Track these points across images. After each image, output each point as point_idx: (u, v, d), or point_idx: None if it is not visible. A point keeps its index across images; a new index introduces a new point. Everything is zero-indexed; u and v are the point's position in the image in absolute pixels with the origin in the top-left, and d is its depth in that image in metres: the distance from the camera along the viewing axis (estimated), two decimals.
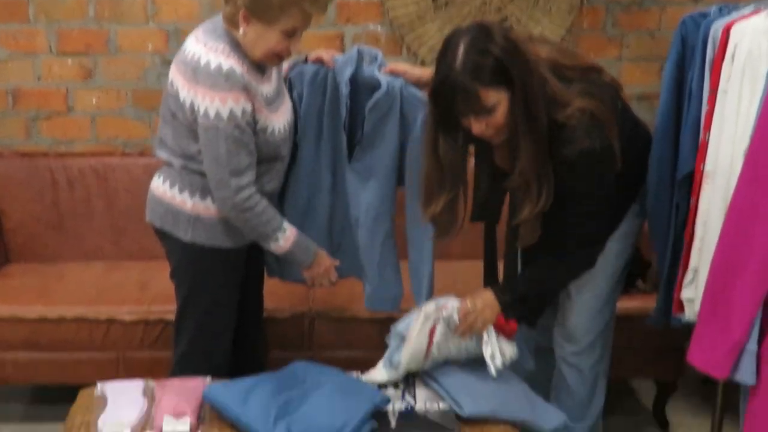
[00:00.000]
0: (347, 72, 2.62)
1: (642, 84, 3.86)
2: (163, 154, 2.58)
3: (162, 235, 2.64)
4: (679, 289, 2.66)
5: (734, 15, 2.55)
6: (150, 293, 3.18)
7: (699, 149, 2.56)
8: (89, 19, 3.68)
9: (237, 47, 2.42)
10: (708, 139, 2.52)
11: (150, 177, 2.68)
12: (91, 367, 3.12)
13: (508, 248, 2.59)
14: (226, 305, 2.68)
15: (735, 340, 2.14)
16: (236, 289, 2.70)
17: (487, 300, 2.44)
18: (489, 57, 2.15)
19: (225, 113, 2.37)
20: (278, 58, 2.46)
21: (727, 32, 2.48)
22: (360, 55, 2.65)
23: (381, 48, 3.68)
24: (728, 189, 2.38)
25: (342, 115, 2.65)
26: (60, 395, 3.02)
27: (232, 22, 2.41)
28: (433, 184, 2.40)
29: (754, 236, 2.11)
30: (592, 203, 2.39)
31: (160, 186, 2.61)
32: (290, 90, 2.67)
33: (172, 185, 2.57)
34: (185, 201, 2.56)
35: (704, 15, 2.66)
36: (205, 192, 2.53)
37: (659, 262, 2.80)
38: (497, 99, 2.19)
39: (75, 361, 3.13)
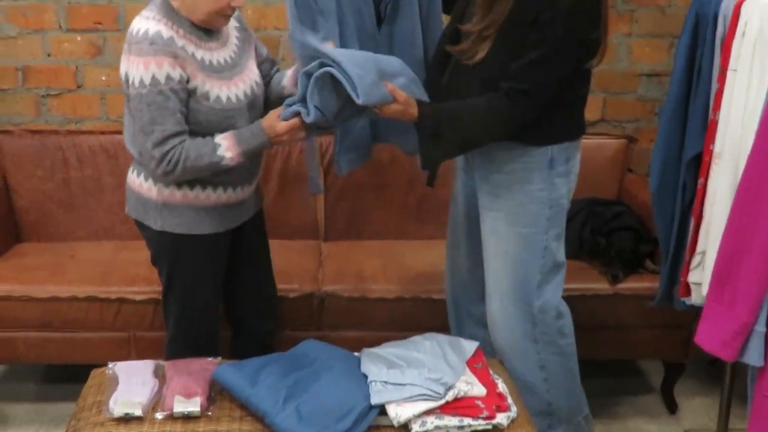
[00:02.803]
0: None
1: (651, 61, 3.83)
2: (129, 145, 2.58)
3: (138, 225, 2.67)
4: (686, 272, 2.65)
5: None
6: None
7: (708, 129, 2.54)
8: None
9: (171, 12, 2.41)
10: (717, 119, 2.50)
11: None
12: (103, 347, 3.14)
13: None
14: (206, 289, 2.68)
15: (743, 322, 2.14)
16: (216, 273, 2.69)
17: (410, 101, 2.42)
18: None
19: (147, 79, 2.34)
20: (223, 17, 2.45)
21: (738, 9, 2.45)
22: None
23: None
24: (737, 170, 2.36)
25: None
26: (72, 375, 3.05)
27: None
28: None
29: (762, 217, 2.10)
30: (551, 48, 2.32)
31: (130, 176, 2.63)
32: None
33: (138, 174, 2.58)
34: (151, 189, 2.55)
35: None
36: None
37: (662, 244, 2.79)
38: None
39: (86, 341, 3.15)
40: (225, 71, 2.50)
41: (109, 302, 3.12)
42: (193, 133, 2.44)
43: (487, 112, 2.42)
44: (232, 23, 2.60)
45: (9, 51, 3.72)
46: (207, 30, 2.47)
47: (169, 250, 2.62)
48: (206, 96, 2.44)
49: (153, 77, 2.34)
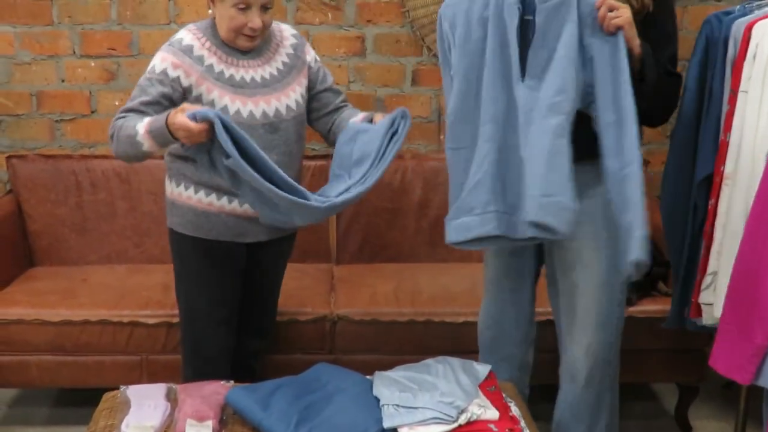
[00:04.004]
0: None
1: None
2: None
3: None
4: (697, 293, 2.64)
5: (757, 13, 2.53)
6: (172, 296, 3.16)
7: (719, 150, 2.54)
8: (112, 21, 3.71)
9: (210, 28, 2.58)
10: (728, 140, 2.50)
11: None
12: (115, 371, 3.14)
13: None
14: (207, 295, 2.69)
15: (758, 345, 2.13)
16: (221, 284, 2.68)
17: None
18: None
19: (149, 67, 2.52)
20: (244, 36, 2.52)
21: (749, 31, 2.46)
22: None
23: (401, 50, 3.70)
24: (749, 191, 2.36)
25: (510, 27, 2.32)
26: (84, 398, 3.05)
27: (209, 9, 2.58)
28: None
29: None
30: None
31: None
32: (440, 26, 2.44)
33: (167, 175, 2.68)
34: (167, 185, 2.66)
35: (728, 13, 2.65)
36: (179, 178, 2.60)
37: (674, 265, 2.78)
38: None
39: (98, 365, 3.15)
40: (249, 88, 2.54)
41: (122, 326, 3.12)
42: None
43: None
44: (287, 49, 2.66)
45: (24, 77, 3.75)
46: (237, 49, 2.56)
47: (174, 248, 2.70)
48: (212, 104, 2.49)
49: (152, 67, 2.51)
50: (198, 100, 2.49)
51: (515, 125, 2.33)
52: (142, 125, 2.39)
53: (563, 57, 2.26)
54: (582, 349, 2.57)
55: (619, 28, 2.22)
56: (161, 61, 2.50)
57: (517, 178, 2.33)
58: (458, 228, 2.43)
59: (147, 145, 2.40)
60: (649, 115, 2.38)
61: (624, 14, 2.22)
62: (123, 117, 2.45)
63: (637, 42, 2.27)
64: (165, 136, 2.36)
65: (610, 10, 2.22)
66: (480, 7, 2.35)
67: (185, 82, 2.49)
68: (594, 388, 2.61)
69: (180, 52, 2.50)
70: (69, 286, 3.35)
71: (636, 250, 2.21)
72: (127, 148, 2.44)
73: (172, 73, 2.48)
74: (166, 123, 2.33)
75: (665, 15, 2.42)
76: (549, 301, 2.69)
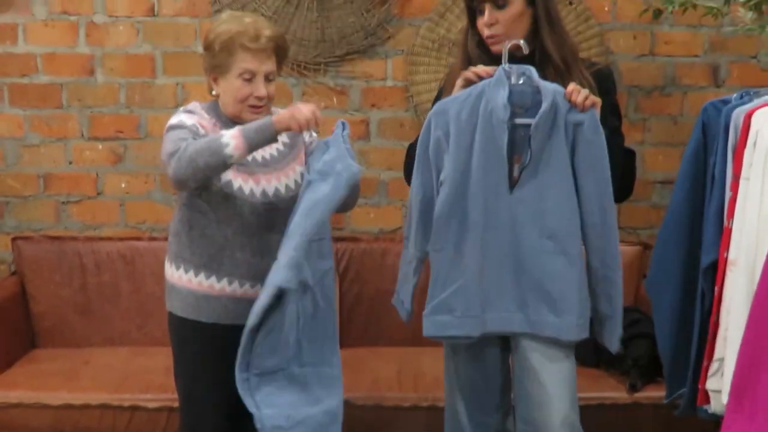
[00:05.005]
0: (502, 94, 2.37)
1: (665, 169, 3.86)
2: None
3: None
4: (704, 380, 2.62)
5: (756, 102, 2.56)
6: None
7: (722, 236, 2.55)
8: (120, 104, 3.77)
9: (213, 108, 2.58)
10: (731, 227, 2.51)
11: None
12: None
13: None
14: (206, 383, 2.63)
15: None
16: (220, 369, 2.56)
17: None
18: None
19: (173, 124, 2.49)
20: (250, 108, 2.53)
21: (748, 119, 2.49)
22: (507, 74, 2.41)
23: (405, 133, 3.75)
24: (753, 277, 2.35)
25: (500, 143, 2.39)
26: None
27: (212, 91, 2.59)
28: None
29: None
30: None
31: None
32: (428, 130, 2.48)
33: (168, 258, 2.66)
34: (167, 268, 2.64)
35: (725, 101, 2.68)
36: (179, 261, 2.58)
37: (660, 345, 2.78)
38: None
39: None
40: (249, 166, 2.55)
41: (122, 410, 3.10)
42: (200, 213, 2.52)
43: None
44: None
45: (32, 159, 3.79)
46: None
47: (174, 332, 2.66)
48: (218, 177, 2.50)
49: (180, 122, 2.49)
50: None
51: (503, 234, 2.43)
52: (231, 136, 2.36)
53: (557, 184, 2.40)
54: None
55: (594, 104, 2.38)
56: (187, 117, 2.50)
57: (504, 284, 2.44)
58: (437, 324, 2.53)
59: (233, 144, 2.34)
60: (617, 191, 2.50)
61: (594, 96, 2.39)
62: (181, 147, 2.40)
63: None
64: (266, 132, 2.37)
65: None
66: (468, 112, 2.42)
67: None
68: None
69: (198, 115, 2.53)
70: (71, 368, 3.33)
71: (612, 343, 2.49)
72: (202, 155, 2.35)
73: (201, 130, 2.49)
74: (273, 122, 2.37)
75: (609, 109, 2.54)
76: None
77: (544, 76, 2.43)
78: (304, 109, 2.40)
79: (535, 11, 2.51)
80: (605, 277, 2.47)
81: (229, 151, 2.34)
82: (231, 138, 2.35)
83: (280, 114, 2.41)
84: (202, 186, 2.46)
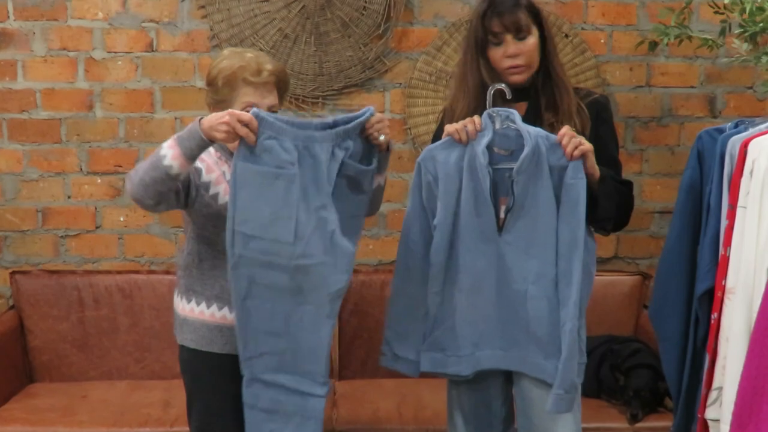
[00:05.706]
0: (483, 140, 2.41)
1: (663, 199, 3.88)
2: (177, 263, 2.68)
3: None
4: (703, 409, 2.60)
5: (751, 131, 2.57)
6: (173, 413, 3.16)
7: (719, 264, 2.55)
8: (119, 139, 3.78)
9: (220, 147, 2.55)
10: (729, 255, 2.51)
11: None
12: None
13: None
14: (223, 416, 2.59)
15: None
16: (236, 399, 2.55)
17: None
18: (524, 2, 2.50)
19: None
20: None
21: (744, 148, 2.50)
22: (492, 119, 2.44)
23: (403, 165, 3.76)
24: (751, 305, 2.35)
25: (484, 187, 2.42)
26: None
27: None
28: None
29: None
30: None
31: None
32: (419, 175, 2.51)
33: (176, 291, 2.65)
34: (177, 303, 2.62)
35: (720, 130, 2.70)
36: (190, 294, 2.56)
37: (668, 376, 2.77)
38: (531, 29, 2.49)
39: None
40: None
41: None
42: (208, 245, 2.52)
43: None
44: None
45: (30, 193, 3.80)
46: None
47: (187, 366, 2.62)
48: (206, 188, 2.49)
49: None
50: (214, 198, 2.49)
51: (491, 277, 2.46)
52: (166, 142, 2.34)
53: (542, 228, 2.41)
54: None
55: (584, 154, 2.36)
56: None
57: (495, 326, 2.48)
58: (432, 361, 2.57)
59: (170, 155, 2.29)
60: (608, 220, 2.51)
61: (586, 143, 2.37)
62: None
63: (596, 168, 2.41)
64: (194, 137, 2.28)
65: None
66: (456, 158, 2.45)
67: (205, 178, 2.49)
68: None
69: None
70: (68, 403, 3.32)
71: (552, 403, 2.38)
72: (147, 171, 2.33)
73: (198, 164, 2.47)
74: (199, 121, 2.29)
75: (608, 137, 2.58)
76: None
77: (549, 98, 2.51)
78: (246, 120, 2.28)
79: (543, 40, 2.53)
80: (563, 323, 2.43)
81: (167, 162, 2.30)
82: (168, 149, 2.31)
83: (215, 115, 2.30)
84: (166, 203, 2.42)
